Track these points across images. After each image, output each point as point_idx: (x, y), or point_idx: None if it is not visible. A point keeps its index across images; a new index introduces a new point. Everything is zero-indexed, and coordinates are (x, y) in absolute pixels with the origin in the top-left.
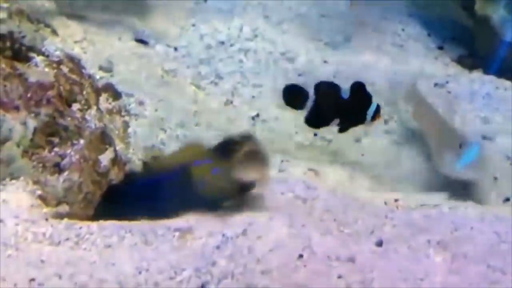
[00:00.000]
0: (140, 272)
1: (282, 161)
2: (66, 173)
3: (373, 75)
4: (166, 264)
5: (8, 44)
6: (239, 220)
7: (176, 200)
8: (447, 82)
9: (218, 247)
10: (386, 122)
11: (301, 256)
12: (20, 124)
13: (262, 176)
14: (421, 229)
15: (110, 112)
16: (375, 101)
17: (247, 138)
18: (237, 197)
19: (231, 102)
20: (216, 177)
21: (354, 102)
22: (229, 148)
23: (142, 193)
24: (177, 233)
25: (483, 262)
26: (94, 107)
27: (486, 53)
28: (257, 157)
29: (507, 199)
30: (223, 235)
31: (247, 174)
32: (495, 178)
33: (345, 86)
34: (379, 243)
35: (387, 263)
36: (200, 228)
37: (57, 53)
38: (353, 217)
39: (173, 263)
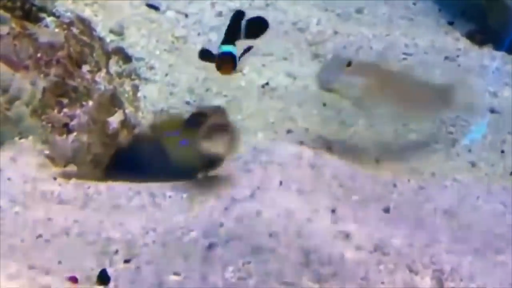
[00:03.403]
0: (147, 232)
1: (289, 131)
2: (74, 134)
3: (383, 47)
4: (174, 225)
5: (18, 4)
6: (249, 184)
7: (153, 168)
8: (457, 56)
9: (226, 209)
10: None
11: (309, 220)
12: (30, 84)
13: (228, 150)
14: (428, 197)
15: (120, 75)
16: None
17: (216, 111)
18: (204, 169)
19: (241, 70)
20: (183, 148)
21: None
22: (198, 121)
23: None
24: (185, 195)
25: (489, 232)
26: (104, 70)
27: (497, 28)
28: (224, 130)
29: None
30: (232, 198)
31: (212, 146)
32: (502, 151)
33: None
34: (386, 210)
35: (393, 229)
36: (208, 191)
37: (68, 14)
38: (361, 184)
39: (181, 224)
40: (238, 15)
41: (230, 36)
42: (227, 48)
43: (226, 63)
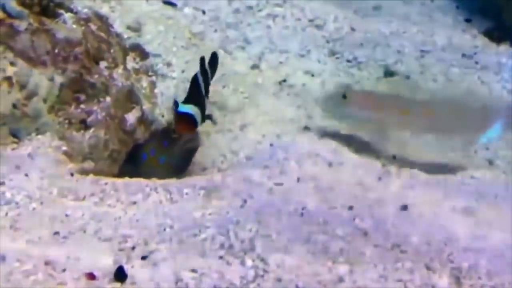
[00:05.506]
0: (164, 229)
1: (306, 127)
2: (92, 130)
3: (401, 44)
4: (190, 222)
5: (36, 0)
6: (266, 181)
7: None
8: (475, 54)
9: (243, 207)
10: None
11: (325, 220)
12: (47, 80)
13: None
14: (446, 195)
15: (137, 71)
16: None
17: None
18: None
19: (258, 67)
20: (164, 165)
21: None
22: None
23: None
24: (202, 192)
25: (507, 229)
26: (121, 66)
27: None
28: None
29: None
30: (249, 195)
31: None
32: None
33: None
34: (404, 207)
35: (411, 226)
36: (225, 188)
37: (85, 10)
38: (378, 181)
39: (198, 221)
40: (196, 77)
41: (193, 95)
42: (187, 108)
43: (185, 123)
